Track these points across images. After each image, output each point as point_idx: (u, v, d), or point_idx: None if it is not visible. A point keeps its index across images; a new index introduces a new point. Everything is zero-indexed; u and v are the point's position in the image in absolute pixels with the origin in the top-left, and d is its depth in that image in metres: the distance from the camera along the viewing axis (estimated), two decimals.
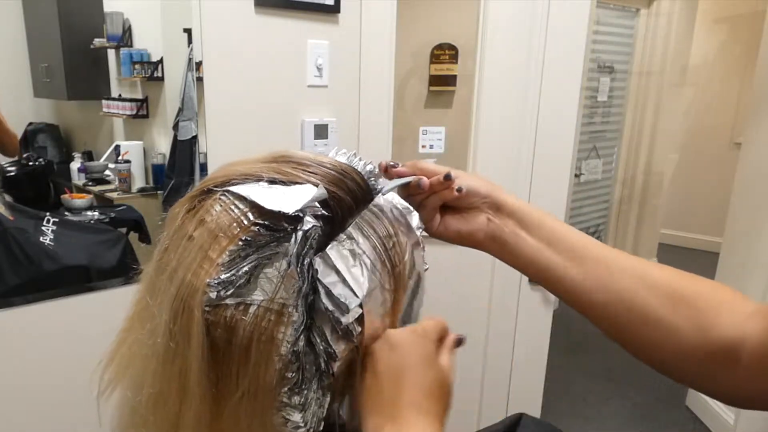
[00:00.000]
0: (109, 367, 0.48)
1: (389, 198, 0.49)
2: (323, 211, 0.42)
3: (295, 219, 0.41)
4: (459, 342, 0.50)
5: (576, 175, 3.76)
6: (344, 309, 0.41)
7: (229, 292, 0.40)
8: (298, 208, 0.40)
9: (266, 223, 0.41)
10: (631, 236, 4.32)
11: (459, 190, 0.59)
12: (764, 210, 2.28)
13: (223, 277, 0.40)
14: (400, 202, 0.50)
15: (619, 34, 3.82)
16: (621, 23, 3.81)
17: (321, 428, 0.44)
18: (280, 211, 0.40)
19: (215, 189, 0.44)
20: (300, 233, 0.40)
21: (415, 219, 0.50)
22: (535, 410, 1.74)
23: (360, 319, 0.42)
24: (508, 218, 0.60)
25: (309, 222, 0.41)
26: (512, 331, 1.63)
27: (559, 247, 0.57)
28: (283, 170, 0.44)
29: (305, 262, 0.40)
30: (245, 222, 0.41)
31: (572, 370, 2.99)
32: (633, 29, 3.90)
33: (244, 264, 0.40)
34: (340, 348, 0.42)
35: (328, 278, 0.41)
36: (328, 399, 0.43)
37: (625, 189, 4.23)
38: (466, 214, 0.62)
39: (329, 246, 0.42)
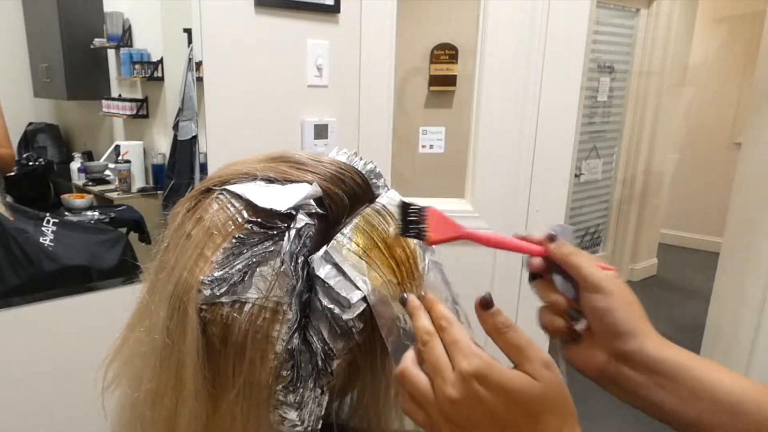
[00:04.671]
0: (112, 364, 0.48)
1: (392, 195, 0.49)
2: (318, 209, 0.42)
3: (289, 217, 0.41)
4: (486, 304, 0.43)
5: (576, 175, 3.76)
6: (345, 305, 0.41)
7: (223, 290, 0.40)
8: (291, 206, 0.41)
9: (260, 220, 0.41)
10: (631, 236, 4.32)
11: (575, 337, 0.50)
12: (764, 210, 2.28)
13: (216, 274, 0.40)
14: (403, 201, 0.49)
15: (619, 34, 3.82)
16: (621, 23, 3.81)
17: (320, 427, 0.44)
18: (273, 209, 0.40)
19: (214, 188, 0.44)
20: (293, 231, 0.40)
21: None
22: None
23: (362, 316, 0.42)
24: (635, 369, 0.48)
25: (302, 220, 0.41)
26: None
27: (705, 401, 0.45)
28: (280, 169, 0.45)
29: (299, 260, 0.41)
30: (239, 220, 0.41)
31: (572, 370, 2.98)
32: (633, 29, 3.90)
33: (238, 262, 0.40)
34: (338, 346, 0.42)
35: (327, 274, 0.41)
36: (326, 398, 0.43)
37: (625, 189, 4.23)
38: (580, 339, 0.51)
39: (329, 244, 0.42)
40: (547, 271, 0.52)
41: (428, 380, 0.39)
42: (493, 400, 0.37)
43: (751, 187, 2.38)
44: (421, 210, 0.47)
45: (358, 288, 0.41)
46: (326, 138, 1.45)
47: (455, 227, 0.48)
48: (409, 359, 0.41)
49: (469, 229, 0.49)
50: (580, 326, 0.49)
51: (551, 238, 0.51)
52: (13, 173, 1.28)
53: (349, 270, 0.41)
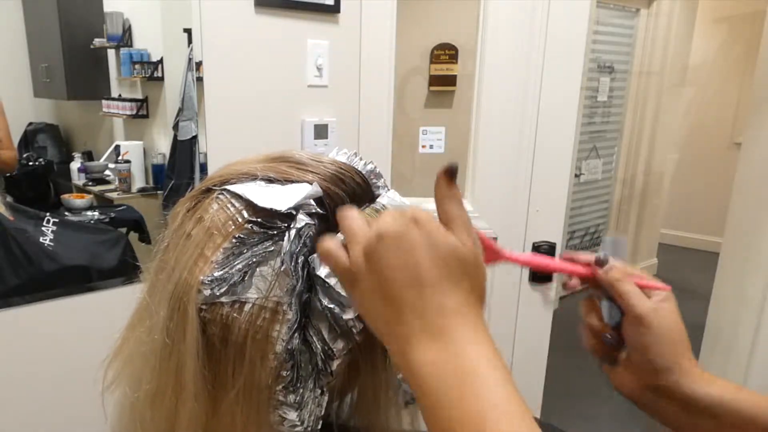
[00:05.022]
0: (112, 364, 0.48)
1: (392, 196, 0.49)
2: (318, 209, 0.42)
3: (289, 217, 0.41)
4: (450, 172, 0.40)
5: (576, 175, 3.76)
6: (346, 304, 0.41)
7: (223, 290, 0.40)
8: (291, 205, 0.41)
9: (260, 220, 0.41)
10: (631, 236, 4.32)
11: (610, 359, 0.50)
12: (764, 210, 2.28)
13: (216, 274, 0.40)
14: (404, 201, 0.50)
15: (619, 34, 3.82)
16: (621, 23, 3.81)
17: (319, 427, 0.44)
18: (273, 209, 0.40)
19: (214, 188, 0.44)
20: (293, 231, 0.40)
21: None
22: (535, 410, 1.74)
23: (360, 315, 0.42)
24: (670, 402, 0.48)
25: (302, 220, 0.41)
26: (512, 331, 1.63)
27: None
28: (280, 169, 0.45)
29: (299, 260, 0.40)
30: (240, 220, 0.41)
31: (572, 370, 2.99)
32: (633, 29, 3.90)
33: (238, 262, 0.40)
34: (338, 346, 0.42)
35: (327, 274, 0.41)
36: (326, 398, 0.43)
37: (625, 189, 4.23)
38: (616, 363, 0.51)
39: None
40: (594, 288, 0.52)
41: (363, 221, 0.38)
42: (419, 241, 0.35)
43: (751, 187, 2.38)
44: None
45: None
46: (326, 138, 1.45)
47: (495, 252, 0.47)
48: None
49: (506, 251, 0.47)
50: (614, 351, 0.50)
51: (599, 263, 0.50)
52: (13, 173, 1.28)
53: None
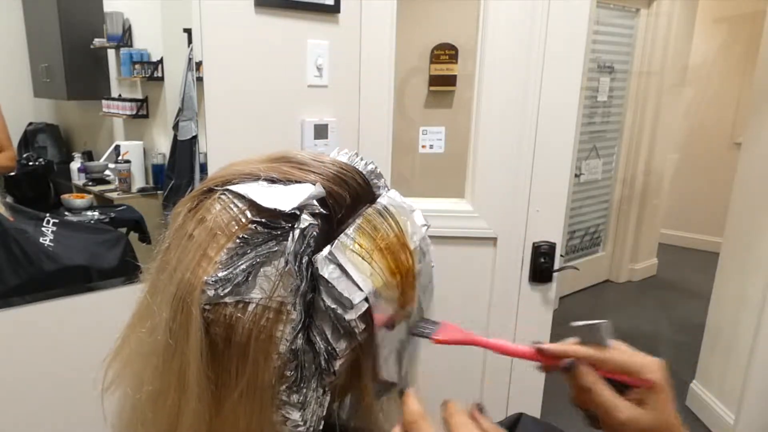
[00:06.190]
0: (113, 364, 0.48)
1: (392, 196, 0.49)
2: (321, 210, 0.42)
3: (293, 217, 0.41)
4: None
5: (576, 175, 3.76)
6: (348, 305, 0.41)
7: (227, 290, 0.40)
8: (295, 206, 0.41)
9: (263, 221, 0.41)
10: (631, 236, 4.32)
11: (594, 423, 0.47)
12: (764, 210, 2.28)
13: (220, 275, 0.40)
14: (404, 201, 0.50)
15: (619, 34, 3.82)
16: (621, 23, 3.81)
17: (321, 427, 0.44)
18: (277, 209, 0.40)
19: (215, 188, 0.44)
20: (297, 231, 0.40)
21: (419, 217, 0.50)
22: (535, 410, 1.74)
23: (364, 316, 0.42)
24: None
25: (306, 220, 0.41)
26: (512, 330, 1.63)
27: None
28: (282, 169, 0.45)
29: (303, 260, 0.41)
30: (243, 220, 0.41)
31: None
32: (633, 29, 3.90)
33: (242, 262, 0.40)
34: (341, 346, 0.42)
35: (331, 274, 0.41)
36: (328, 398, 0.43)
37: (625, 189, 4.23)
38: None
39: (333, 244, 0.42)
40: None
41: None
42: None
43: (751, 187, 2.38)
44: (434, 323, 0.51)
45: (360, 288, 0.41)
46: (326, 138, 1.45)
47: (464, 333, 0.51)
48: None
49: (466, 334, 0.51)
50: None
51: (565, 370, 0.48)
52: (13, 173, 1.28)
53: (352, 270, 0.41)
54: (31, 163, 1.31)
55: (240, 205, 0.42)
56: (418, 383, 0.52)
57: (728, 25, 4.67)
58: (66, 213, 1.34)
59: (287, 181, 0.44)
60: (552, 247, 1.52)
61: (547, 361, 0.49)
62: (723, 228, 2.61)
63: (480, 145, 1.51)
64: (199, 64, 1.27)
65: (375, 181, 0.48)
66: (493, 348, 0.51)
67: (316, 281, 0.41)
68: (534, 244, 1.52)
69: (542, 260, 1.51)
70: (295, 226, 0.41)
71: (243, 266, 0.40)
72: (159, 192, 1.47)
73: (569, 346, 0.49)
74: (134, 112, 1.42)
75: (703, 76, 4.77)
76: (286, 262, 0.40)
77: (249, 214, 0.41)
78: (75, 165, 1.41)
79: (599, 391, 0.46)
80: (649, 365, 0.46)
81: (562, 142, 1.49)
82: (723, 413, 2.44)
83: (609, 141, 4.05)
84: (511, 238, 1.53)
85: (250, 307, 0.40)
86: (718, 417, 2.47)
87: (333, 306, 0.41)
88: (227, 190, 0.43)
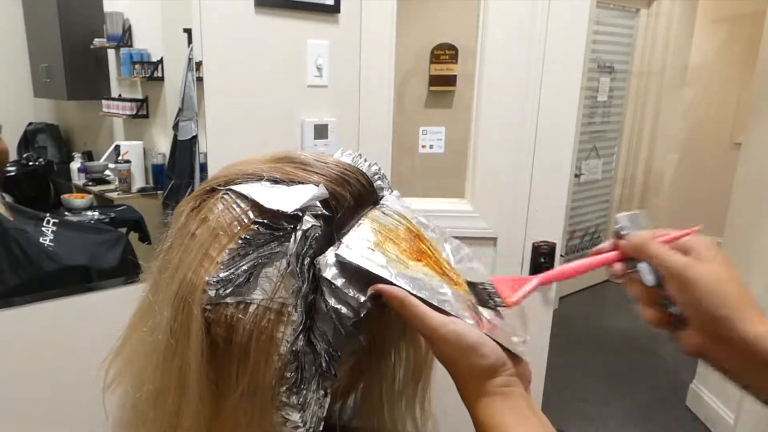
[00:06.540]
0: (113, 363, 0.48)
1: (395, 197, 0.49)
2: (323, 211, 0.42)
3: (295, 218, 0.41)
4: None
5: (576, 175, 3.76)
6: (353, 305, 0.41)
7: (228, 291, 0.40)
8: (298, 207, 0.40)
9: (266, 221, 0.41)
10: None
11: (679, 324, 0.47)
12: (764, 210, 2.28)
13: (222, 275, 0.40)
14: (404, 201, 0.50)
15: (619, 34, 3.82)
16: (621, 23, 3.81)
17: (321, 428, 0.44)
18: (279, 210, 0.40)
19: (218, 188, 0.44)
20: (299, 233, 0.40)
21: (422, 218, 0.50)
22: None
23: (367, 317, 0.42)
24: (732, 352, 0.44)
25: (308, 222, 0.41)
26: None
27: None
28: (285, 170, 0.45)
29: (305, 261, 0.40)
30: (245, 220, 0.41)
31: (572, 370, 2.99)
32: (633, 29, 3.90)
33: (244, 263, 0.40)
34: (343, 348, 0.42)
35: (334, 276, 0.41)
36: (328, 399, 0.43)
37: (625, 189, 4.23)
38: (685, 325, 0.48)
39: (337, 245, 0.42)
40: (628, 266, 0.50)
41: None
42: None
43: (751, 187, 2.38)
44: (487, 283, 0.49)
45: (364, 289, 0.41)
46: (326, 138, 1.45)
47: (523, 280, 0.49)
48: None
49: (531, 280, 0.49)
50: (676, 311, 0.47)
51: (618, 236, 0.49)
52: (13, 173, 1.28)
53: (366, 264, 0.41)
54: (31, 163, 1.31)
55: (243, 205, 0.42)
56: (422, 383, 0.52)
57: (728, 25, 4.66)
58: (66, 213, 1.34)
59: (290, 182, 0.44)
60: (552, 247, 1.52)
61: (610, 258, 0.50)
62: (723, 228, 2.61)
63: (480, 145, 1.51)
64: (199, 64, 1.27)
65: (378, 182, 0.48)
66: (571, 273, 0.50)
67: (317, 282, 0.41)
68: (534, 244, 1.52)
69: (542, 260, 1.51)
70: (298, 227, 0.41)
71: (245, 267, 0.40)
72: (159, 192, 1.47)
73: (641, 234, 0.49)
74: (134, 112, 1.42)
75: (703, 76, 4.76)
76: (288, 264, 0.40)
77: (251, 215, 0.41)
78: (75, 165, 1.41)
79: (651, 245, 0.47)
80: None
81: (561, 142, 1.49)
82: (723, 413, 2.44)
83: (609, 141, 4.05)
84: (511, 238, 1.53)
85: (252, 308, 0.40)
86: (718, 417, 2.47)
87: (337, 307, 0.41)
88: (230, 189, 0.43)
